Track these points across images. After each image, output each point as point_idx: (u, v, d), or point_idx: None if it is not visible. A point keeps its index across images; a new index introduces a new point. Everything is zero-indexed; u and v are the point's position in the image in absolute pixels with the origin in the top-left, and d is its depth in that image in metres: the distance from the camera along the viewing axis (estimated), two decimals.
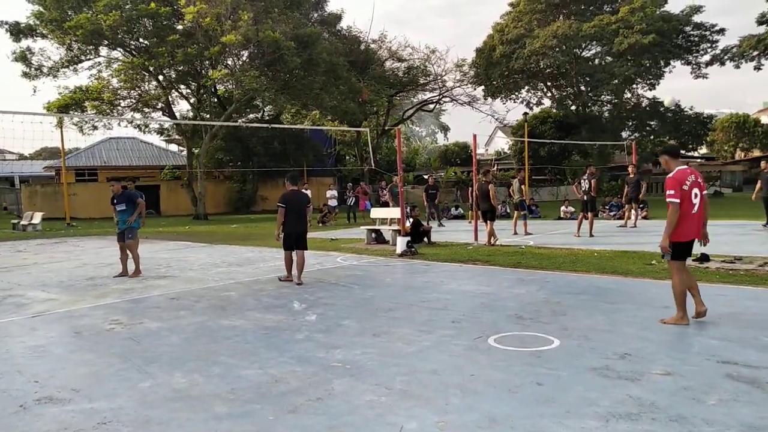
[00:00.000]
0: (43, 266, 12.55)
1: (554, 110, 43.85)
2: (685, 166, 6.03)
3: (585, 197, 15.10)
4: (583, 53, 38.93)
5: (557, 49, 35.63)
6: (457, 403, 4.08)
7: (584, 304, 7.17)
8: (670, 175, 5.97)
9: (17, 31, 28.28)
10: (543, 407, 3.95)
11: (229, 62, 30.73)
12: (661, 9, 36.43)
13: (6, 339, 6.32)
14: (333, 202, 26.19)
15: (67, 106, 28.90)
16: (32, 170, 54.17)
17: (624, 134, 40.37)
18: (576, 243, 13.57)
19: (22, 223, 25.47)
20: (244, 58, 30.53)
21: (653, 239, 14.01)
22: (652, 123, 40.53)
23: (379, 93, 38.65)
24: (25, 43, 29.10)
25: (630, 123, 41.23)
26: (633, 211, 17.69)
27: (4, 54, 46.54)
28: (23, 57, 28.80)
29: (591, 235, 14.58)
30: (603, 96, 40.38)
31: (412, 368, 4.88)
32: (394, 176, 20.67)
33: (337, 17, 38.58)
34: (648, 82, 38.93)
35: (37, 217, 25.42)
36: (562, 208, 23.64)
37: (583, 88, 40.26)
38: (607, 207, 23.25)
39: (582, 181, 15.31)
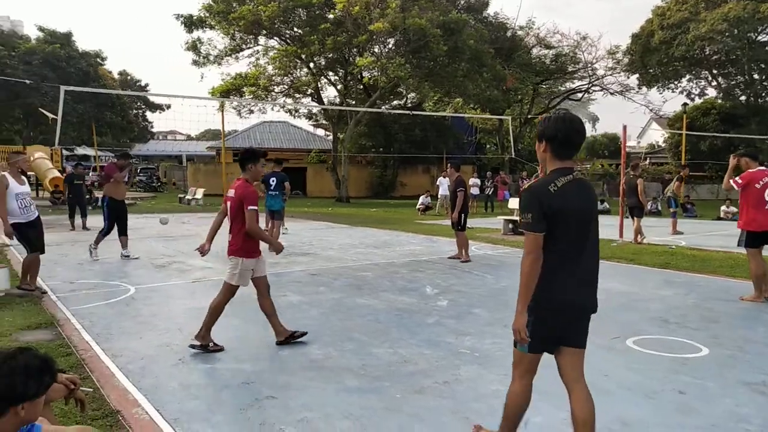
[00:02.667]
0: (203, 237, 13.75)
1: (719, 101, 39.94)
2: (764, 168, 7.17)
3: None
4: (759, 37, 34.96)
5: (727, 33, 32.31)
6: None
7: (742, 313, 6.55)
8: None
9: (190, 23, 31.05)
10: (683, 417, 3.70)
11: (376, 50, 31.49)
12: None
13: (170, 300, 7.07)
14: (474, 191, 26.05)
15: (228, 92, 31.37)
16: (197, 150, 59.53)
17: None
18: (737, 248, 12.34)
19: (187, 197, 28.14)
20: (390, 46, 31.12)
21: None
22: None
23: (525, 81, 37.60)
24: (196, 34, 31.94)
25: None
26: None
27: (178, 44, 51.02)
28: (194, 46, 31.65)
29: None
30: None
31: (542, 362, 4.76)
32: (536, 166, 20.08)
33: (484, 3, 37.97)
34: None
35: (200, 193, 27.95)
36: (723, 207, 21.58)
37: (756, 76, 36.26)
38: None
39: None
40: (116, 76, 58.85)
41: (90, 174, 27.40)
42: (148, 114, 63.24)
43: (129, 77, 62.44)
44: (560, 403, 3.89)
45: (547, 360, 4.77)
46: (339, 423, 3.59)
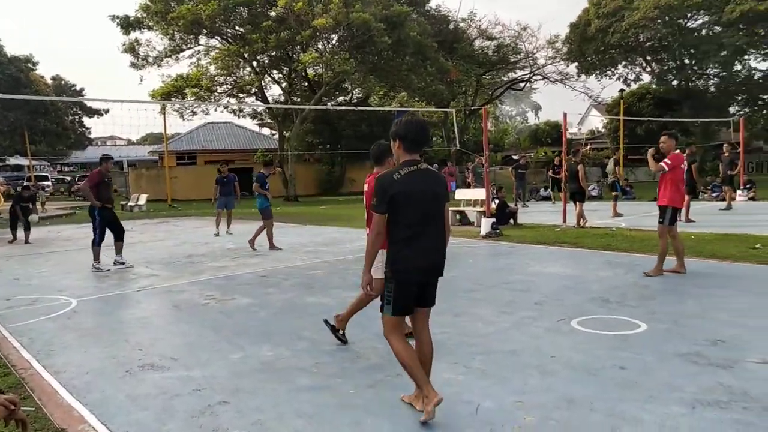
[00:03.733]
0: (147, 244, 13.47)
1: (653, 86, 41.41)
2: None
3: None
4: (689, 23, 36.41)
5: (659, 20, 33.54)
6: (535, 383, 4.07)
7: (676, 289, 6.86)
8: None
9: (127, 24, 30.17)
10: (624, 391, 3.86)
11: (320, 46, 31.33)
12: None
13: (114, 311, 6.90)
14: None
15: (169, 94, 30.66)
16: (138, 155, 57.91)
17: (732, 110, 37.58)
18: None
19: (130, 204, 27.35)
20: (334, 42, 31.02)
21: (761, 221, 13.11)
22: (765, 97, 37.44)
23: (468, 73, 38.09)
24: (134, 35, 31.06)
25: (739, 97, 38.28)
26: (729, 192, 16.56)
27: (114, 46, 49.54)
28: (132, 48, 30.78)
29: (687, 220, 13.72)
30: (709, 69, 37.66)
31: (490, 348, 4.89)
32: (478, 156, 20.41)
33: None
34: (762, 52, 35.90)
35: (143, 199, 27.20)
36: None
37: (687, 61, 37.74)
38: (709, 188, 21.85)
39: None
40: (49, 81, 56.59)
41: (38, 191, 26.37)
42: (85, 119, 61.15)
43: (63, 82, 60.10)
44: (510, 388, 4.02)
45: (501, 344, 4.91)
46: (293, 422, 3.60)
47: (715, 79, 38.61)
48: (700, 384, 3.92)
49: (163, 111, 29.51)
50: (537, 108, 58.12)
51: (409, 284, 3.52)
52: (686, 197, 14.12)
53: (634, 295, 6.60)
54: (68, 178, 46.82)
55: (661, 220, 7.68)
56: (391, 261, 3.52)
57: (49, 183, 43.10)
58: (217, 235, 14.39)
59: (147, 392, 4.21)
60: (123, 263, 9.91)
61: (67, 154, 58.63)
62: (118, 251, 10.00)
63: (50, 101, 43.47)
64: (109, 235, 9.82)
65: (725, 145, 16.85)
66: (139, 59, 31.35)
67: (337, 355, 4.85)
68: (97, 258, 9.65)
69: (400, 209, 3.46)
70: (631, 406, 3.63)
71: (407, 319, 3.80)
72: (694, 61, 36.93)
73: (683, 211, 13.96)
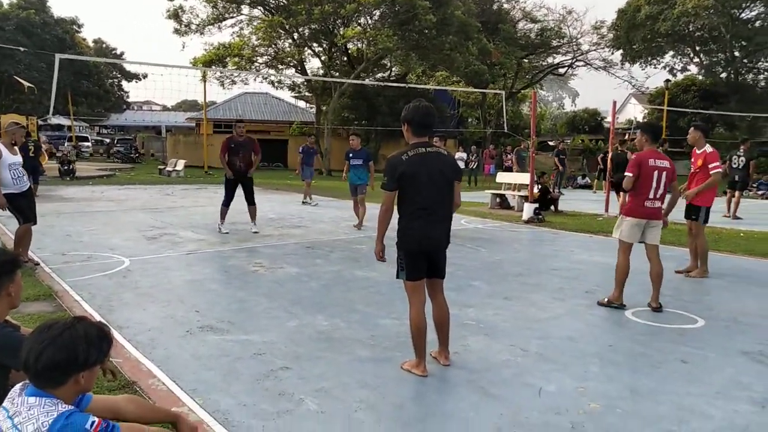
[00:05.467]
0: (190, 209, 13.67)
1: (700, 78, 40.31)
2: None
3: (737, 175, 13.87)
4: (743, 14, 35.20)
5: (712, 9, 32.49)
6: (597, 371, 4.04)
7: (731, 286, 6.73)
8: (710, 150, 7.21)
9: None
10: (690, 386, 3.82)
11: (362, 21, 31.08)
12: None
13: (167, 272, 7.02)
14: (460, 164, 26.10)
15: (211, 62, 30.79)
16: (174, 121, 58.53)
17: None
18: (719, 222, 12.61)
19: (168, 169, 27.75)
20: (376, 17, 30.73)
21: None
22: None
23: (510, 55, 37.47)
24: (178, 2, 31.19)
25: None
26: None
27: (159, 12, 49.88)
28: (175, 15, 30.93)
29: (735, 217, 13.42)
30: (760, 63, 36.49)
31: (546, 333, 4.87)
32: (522, 140, 20.16)
33: None
34: None
35: (180, 164, 27.57)
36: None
37: (737, 53, 36.60)
38: (755, 185, 21.30)
39: (735, 156, 14.09)
40: (91, 44, 57.38)
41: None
42: (124, 84, 62.01)
43: (104, 45, 60.92)
44: (574, 373, 4.00)
45: (558, 330, 4.89)
46: (357, 392, 3.64)
47: (766, 73, 37.41)
48: None
49: (204, 78, 29.72)
50: (575, 95, 56.98)
51: (417, 253, 3.87)
52: (737, 194, 13.83)
53: (688, 289, 6.50)
54: (107, 140, 47.58)
55: (694, 217, 7.33)
56: (401, 233, 3.89)
57: (89, 144, 43.88)
58: (306, 203, 15.18)
59: (209, 353, 4.30)
60: (256, 232, 9.93)
61: (107, 116, 59.58)
62: (252, 216, 10.15)
63: (93, 63, 44.09)
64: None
65: None
66: (182, 26, 31.52)
67: (392, 330, 4.87)
68: (222, 218, 10.02)
69: (408, 187, 3.79)
70: (699, 400, 3.59)
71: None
72: (745, 54, 35.80)
73: (733, 207, 13.70)
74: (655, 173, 5.51)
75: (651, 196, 5.55)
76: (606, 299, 5.74)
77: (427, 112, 3.93)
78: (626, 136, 38.59)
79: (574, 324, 5.15)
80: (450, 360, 4.12)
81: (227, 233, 9.77)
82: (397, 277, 4.00)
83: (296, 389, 3.66)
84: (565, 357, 4.34)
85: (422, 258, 3.90)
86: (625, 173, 5.65)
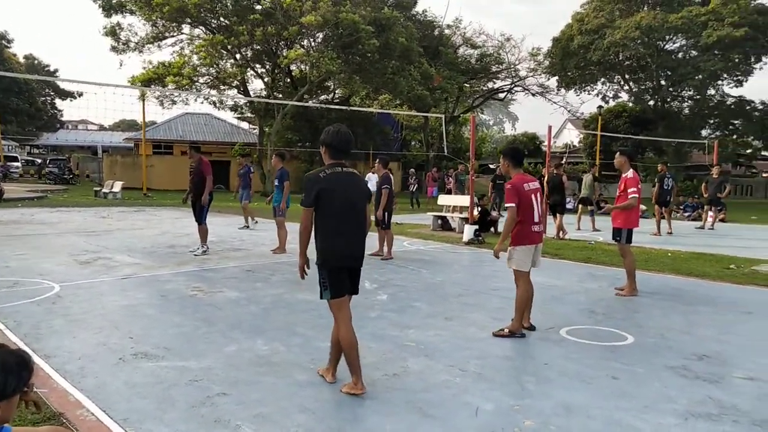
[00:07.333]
0: (126, 232, 13.26)
1: (630, 104, 42.33)
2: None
3: (668, 197, 15.15)
4: (667, 46, 37.31)
5: (639, 40, 34.31)
6: (532, 389, 4.15)
7: (659, 304, 7.03)
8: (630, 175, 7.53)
9: (109, 7, 29.57)
10: (619, 400, 3.96)
11: (305, 43, 31.17)
12: (757, 1, 34.44)
13: (100, 297, 6.78)
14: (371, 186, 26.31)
15: (150, 81, 30.13)
16: (111, 140, 56.83)
17: (704, 132, 38.60)
18: (647, 242, 13.20)
19: (104, 190, 26.85)
20: (319, 40, 30.90)
21: (732, 242, 13.52)
22: (736, 122, 38.58)
23: (451, 80, 38.35)
24: (115, 18, 30.44)
25: (711, 121, 39.38)
26: (711, 213, 17.07)
27: (95, 29, 48.63)
28: (113, 32, 30.16)
29: (669, 233, 14.49)
30: (684, 92, 38.64)
31: (485, 352, 4.96)
32: (460, 164, 20.58)
33: (413, 1, 38.42)
34: (735, 78, 36.98)
35: (118, 186, 26.71)
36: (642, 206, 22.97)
37: (663, 82, 38.68)
38: (682, 207, 22.41)
39: (666, 179, 15.12)
40: (21, 60, 55.27)
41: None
42: (58, 102, 59.90)
43: (36, 61, 58.78)
44: (511, 391, 4.09)
45: (496, 349, 4.99)
46: (296, 416, 3.61)
47: (690, 101, 39.66)
48: (691, 396, 4.05)
49: (142, 98, 29.04)
50: (515, 119, 58.81)
51: (339, 270, 3.95)
52: (663, 209, 14.96)
53: (620, 307, 6.76)
54: (38, 161, 45.65)
55: (617, 238, 7.59)
56: (322, 252, 3.96)
57: (18, 164, 41.97)
58: (246, 227, 14.75)
59: (143, 381, 4.17)
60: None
61: (38, 135, 57.29)
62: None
63: (23, 80, 42.42)
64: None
65: (715, 167, 17.25)
66: (120, 43, 30.78)
67: None
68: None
69: (327, 204, 3.92)
70: (628, 415, 3.73)
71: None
72: (670, 83, 37.87)
73: (666, 222, 14.85)
74: (533, 197, 5.56)
75: (536, 220, 5.60)
76: (507, 329, 5.49)
77: (346, 139, 4.11)
78: (563, 160, 40.03)
79: (511, 343, 5.27)
80: (335, 377, 4.19)
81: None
82: (321, 297, 4.05)
83: (233, 415, 3.60)
84: (502, 376, 4.44)
85: (345, 274, 3.99)
86: (507, 204, 5.59)
